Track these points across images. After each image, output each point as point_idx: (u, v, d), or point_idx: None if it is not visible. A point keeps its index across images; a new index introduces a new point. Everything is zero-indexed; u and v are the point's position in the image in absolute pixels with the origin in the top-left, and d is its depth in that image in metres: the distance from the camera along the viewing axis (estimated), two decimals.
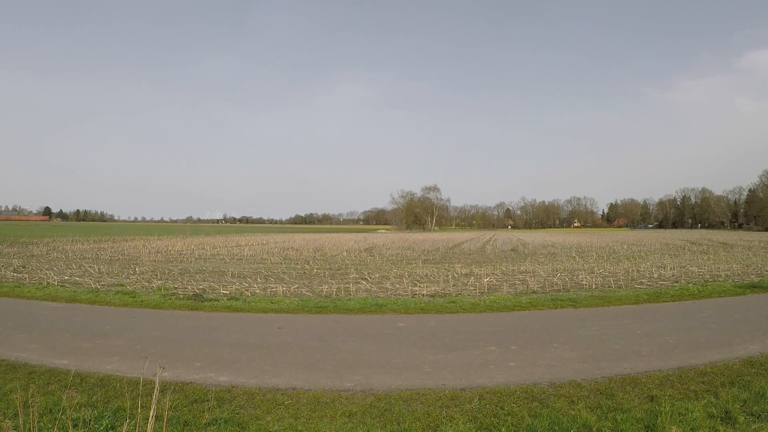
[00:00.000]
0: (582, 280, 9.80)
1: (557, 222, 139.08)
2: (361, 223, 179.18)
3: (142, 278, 10.62)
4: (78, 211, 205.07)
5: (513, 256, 18.47)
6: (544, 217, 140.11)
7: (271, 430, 2.90)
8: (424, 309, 6.90)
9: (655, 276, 10.64)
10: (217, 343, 5.00)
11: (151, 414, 2.23)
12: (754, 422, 2.87)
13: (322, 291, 8.74)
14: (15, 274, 11.06)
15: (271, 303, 7.41)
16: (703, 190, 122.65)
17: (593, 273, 11.42)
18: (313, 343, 5.01)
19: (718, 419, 2.92)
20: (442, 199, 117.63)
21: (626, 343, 4.81)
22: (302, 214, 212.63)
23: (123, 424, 2.74)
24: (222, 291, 8.71)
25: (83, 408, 3.08)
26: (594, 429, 2.83)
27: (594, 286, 9.06)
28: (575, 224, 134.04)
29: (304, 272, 12.43)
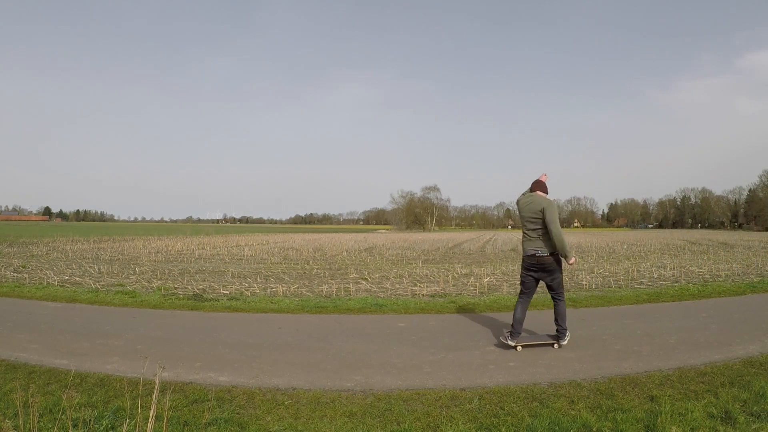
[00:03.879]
0: (582, 280, 9.79)
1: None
2: (361, 223, 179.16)
3: (142, 278, 10.62)
4: (78, 211, 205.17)
5: (513, 256, 18.47)
6: None
7: (271, 430, 2.90)
8: (424, 309, 6.90)
9: (655, 276, 10.64)
10: (217, 343, 5.00)
11: (151, 414, 2.23)
12: (754, 422, 2.87)
13: (322, 291, 8.74)
14: (15, 274, 11.06)
15: (271, 303, 7.41)
16: (703, 190, 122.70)
17: (593, 273, 11.41)
18: (313, 343, 5.01)
19: (718, 419, 2.92)
20: (442, 199, 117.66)
21: (626, 343, 4.81)
22: (302, 214, 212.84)
23: (123, 424, 2.74)
24: (222, 291, 8.71)
25: (83, 408, 3.08)
26: (594, 429, 2.82)
27: (594, 286, 9.06)
28: (575, 224, 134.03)
29: (304, 272, 12.43)
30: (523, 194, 4.81)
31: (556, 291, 4.63)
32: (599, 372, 3.92)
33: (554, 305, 4.69)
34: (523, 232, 4.64)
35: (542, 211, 4.46)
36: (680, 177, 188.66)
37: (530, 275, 4.62)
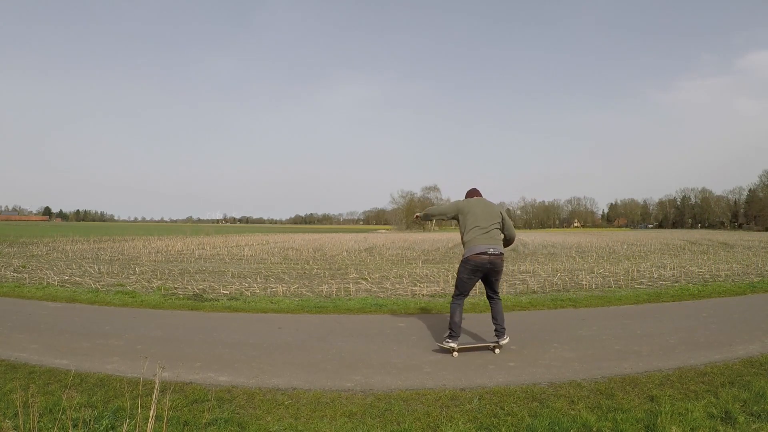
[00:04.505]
0: (582, 280, 9.80)
1: (557, 222, 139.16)
2: (361, 223, 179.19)
3: (142, 278, 10.62)
4: (78, 211, 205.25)
5: (513, 256, 18.46)
6: (544, 217, 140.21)
7: (271, 430, 2.90)
8: (424, 309, 6.90)
9: (655, 276, 10.64)
10: (217, 343, 5.00)
11: (151, 414, 2.23)
12: (754, 422, 2.87)
13: (322, 291, 8.74)
14: (15, 274, 11.06)
15: (271, 303, 7.41)
16: (703, 190, 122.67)
17: (593, 273, 11.42)
18: (313, 343, 5.01)
19: (718, 419, 2.92)
20: (442, 199, 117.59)
21: (626, 343, 4.81)
22: (302, 214, 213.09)
23: (123, 424, 2.74)
24: (222, 291, 8.71)
25: (83, 408, 3.08)
26: (594, 429, 2.82)
27: (594, 286, 9.06)
28: (575, 224, 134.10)
29: (304, 272, 12.43)
30: (469, 200, 4.76)
31: (496, 291, 4.64)
32: (599, 372, 3.92)
33: (494, 305, 4.61)
34: (478, 232, 4.47)
35: (500, 214, 4.65)
36: (680, 177, 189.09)
37: (476, 276, 4.49)
